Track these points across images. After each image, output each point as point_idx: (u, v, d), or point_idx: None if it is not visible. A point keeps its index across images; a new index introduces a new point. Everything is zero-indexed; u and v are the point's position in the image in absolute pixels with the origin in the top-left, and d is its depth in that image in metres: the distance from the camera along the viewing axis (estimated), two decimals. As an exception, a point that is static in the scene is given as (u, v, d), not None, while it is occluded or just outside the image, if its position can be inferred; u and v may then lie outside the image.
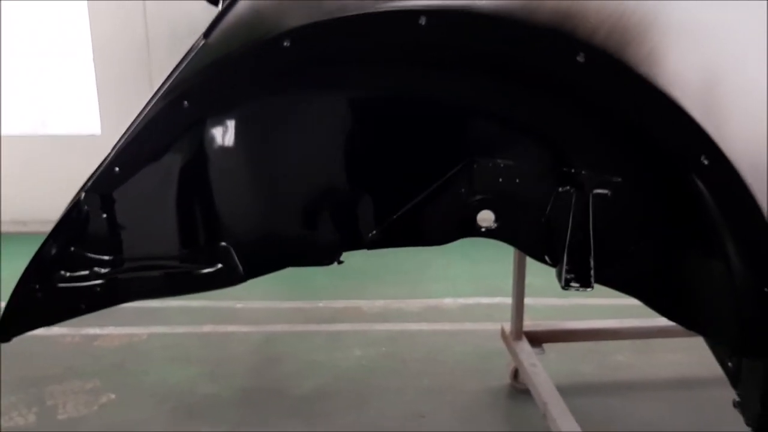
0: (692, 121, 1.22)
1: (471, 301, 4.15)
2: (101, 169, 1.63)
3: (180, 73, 1.47)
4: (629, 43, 1.19)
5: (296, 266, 1.65)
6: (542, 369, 2.92)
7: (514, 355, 3.10)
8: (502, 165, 1.51)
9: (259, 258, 1.62)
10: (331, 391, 3.20)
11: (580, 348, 3.45)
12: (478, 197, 1.56)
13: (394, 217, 1.56)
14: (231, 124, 1.51)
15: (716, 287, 1.39)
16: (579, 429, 2.56)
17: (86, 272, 1.71)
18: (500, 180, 1.53)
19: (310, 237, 1.60)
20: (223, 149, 1.54)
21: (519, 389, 3.21)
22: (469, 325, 3.85)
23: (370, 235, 1.59)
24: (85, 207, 1.66)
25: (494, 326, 3.85)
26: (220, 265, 1.63)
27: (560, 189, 1.52)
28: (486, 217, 1.62)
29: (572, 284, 1.55)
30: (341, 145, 1.51)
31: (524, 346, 3.09)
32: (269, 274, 1.69)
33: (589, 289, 1.54)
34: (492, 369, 3.38)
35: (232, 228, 1.60)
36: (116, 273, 1.70)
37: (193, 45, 1.49)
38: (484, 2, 1.22)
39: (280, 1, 1.35)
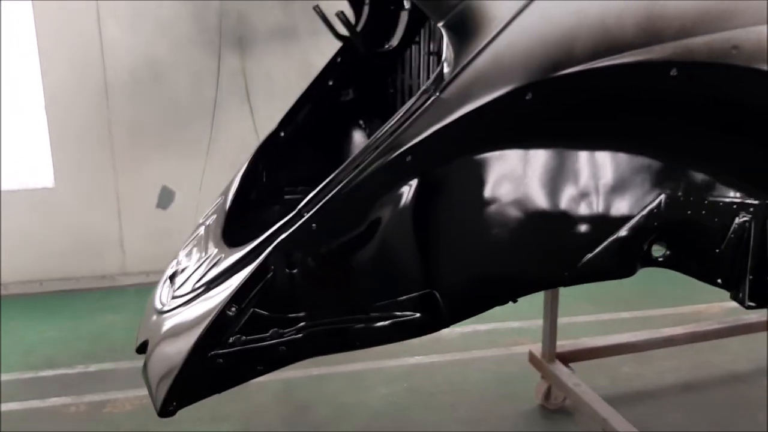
0: None
1: (468, 329, 4.26)
2: (294, 227, 1.61)
3: (407, 129, 1.49)
4: None
5: (493, 307, 1.70)
6: (587, 387, 3.08)
7: (551, 377, 3.24)
8: (691, 199, 1.65)
9: (464, 302, 1.65)
10: (376, 430, 3.20)
11: (588, 365, 3.65)
12: (660, 230, 1.68)
13: (591, 255, 1.66)
14: (456, 175, 1.55)
15: None
16: (645, 439, 2.74)
17: (268, 333, 1.67)
18: (688, 212, 1.66)
19: (514, 277, 1.66)
20: (441, 199, 1.58)
21: (550, 410, 3.36)
22: (476, 353, 3.96)
23: (566, 273, 1.67)
24: (271, 266, 1.63)
25: (500, 352, 4.01)
26: (423, 313, 1.65)
27: (737, 219, 1.67)
28: (658, 248, 1.75)
29: (750, 303, 1.70)
30: (558, 187, 1.60)
31: (560, 367, 3.24)
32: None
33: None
34: (516, 393, 3.50)
35: (440, 275, 1.63)
36: (305, 330, 1.67)
37: (414, 101, 1.52)
38: (735, 52, 1.36)
39: (527, 56, 1.42)
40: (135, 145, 4.59)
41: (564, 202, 1.62)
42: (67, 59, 4.41)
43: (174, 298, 1.97)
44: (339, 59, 2.64)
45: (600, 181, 1.62)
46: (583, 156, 1.58)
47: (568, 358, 3.32)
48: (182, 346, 1.71)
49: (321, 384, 3.63)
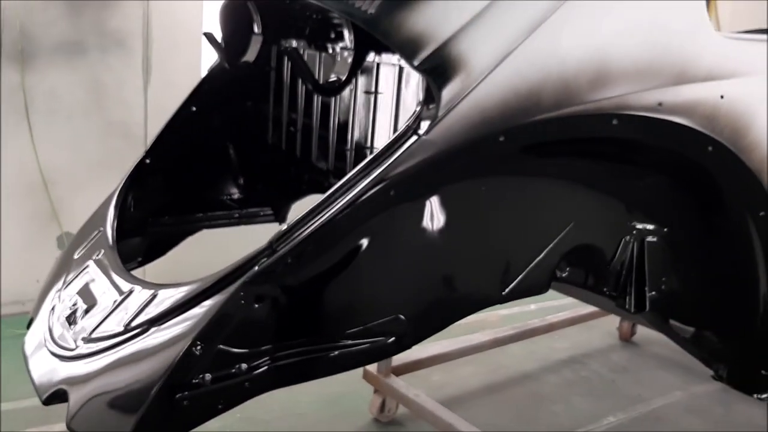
0: (762, 187, 1.84)
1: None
2: (269, 261, 1.62)
3: (390, 165, 1.59)
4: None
5: (447, 327, 1.84)
6: (427, 396, 3.33)
7: (388, 390, 3.43)
8: (592, 225, 1.96)
9: (425, 324, 1.78)
10: (220, 465, 3.11)
11: (403, 378, 3.91)
12: (569, 251, 1.97)
13: (522, 275, 1.89)
14: (429, 207, 1.67)
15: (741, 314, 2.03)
16: (489, 437, 3.05)
17: (233, 370, 1.65)
18: (589, 236, 1.97)
19: (463, 299, 1.82)
20: (409, 231, 1.69)
21: (384, 422, 3.56)
22: (297, 376, 4.01)
23: (504, 292, 1.88)
24: (241, 301, 1.62)
25: (320, 372, 4.09)
26: (389, 337, 1.74)
27: (624, 240, 2.02)
28: (562, 266, 2.04)
29: (633, 309, 2.06)
30: (504, 219, 1.79)
31: (396, 381, 3.44)
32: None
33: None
34: (348, 411, 3.64)
35: (406, 300, 1.74)
36: (271, 363, 1.68)
37: (396, 138, 1.62)
38: (662, 108, 1.68)
39: (504, 104, 1.60)
40: None
41: (506, 232, 1.83)
42: None
43: (91, 340, 1.81)
44: (205, 86, 2.59)
45: (533, 212, 1.85)
46: (529, 190, 1.80)
47: (401, 371, 3.55)
48: (137, 389, 1.60)
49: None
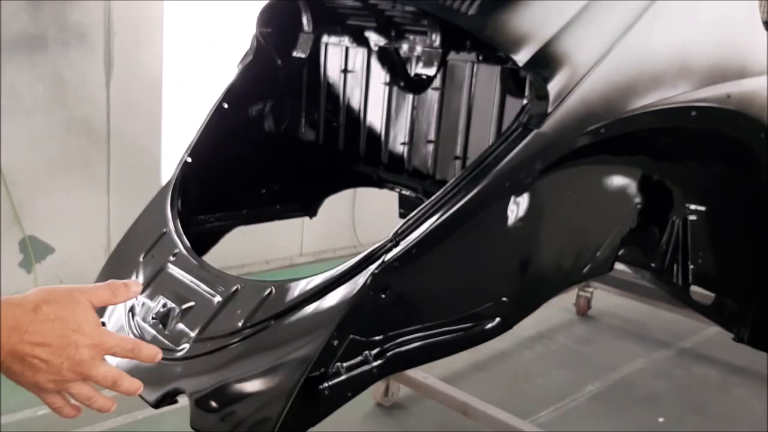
0: None
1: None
2: (394, 253, 1.70)
3: (508, 158, 1.71)
4: None
5: (538, 308, 1.98)
6: (435, 378, 3.46)
7: (396, 375, 3.54)
8: (651, 208, 2.15)
9: (525, 304, 1.91)
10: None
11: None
12: (630, 233, 2.15)
13: (598, 255, 2.06)
14: (534, 196, 1.79)
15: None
16: (501, 411, 3.22)
17: (361, 357, 1.73)
18: (647, 218, 2.16)
19: (555, 278, 1.97)
20: (518, 217, 1.81)
21: (387, 406, 3.68)
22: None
23: (582, 272, 2.04)
24: (370, 291, 1.70)
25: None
26: (495, 318, 1.86)
27: (672, 220, 2.23)
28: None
29: (680, 284, 2.27)
30: (595, 201, 1.96)
31: (401, 365, 3.56)
32: None
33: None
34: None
35: (511, 283, 1.86)
36: (394, 349, 1.76)
37: (510, 133, 1.74)
38: (730, 99, 1.88)
39: (605, 98, 1.75)
40: None
41: (590, 216, 1.99)
42: None
43: (202, 340, 1.83)
44: (236, 83, 2.59)
45: (611, 197, 2.02)
46: (612, 177, 1.97)
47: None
48: (278, 381, 1.65)
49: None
